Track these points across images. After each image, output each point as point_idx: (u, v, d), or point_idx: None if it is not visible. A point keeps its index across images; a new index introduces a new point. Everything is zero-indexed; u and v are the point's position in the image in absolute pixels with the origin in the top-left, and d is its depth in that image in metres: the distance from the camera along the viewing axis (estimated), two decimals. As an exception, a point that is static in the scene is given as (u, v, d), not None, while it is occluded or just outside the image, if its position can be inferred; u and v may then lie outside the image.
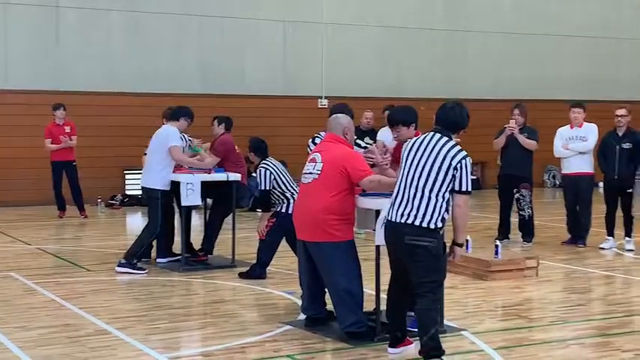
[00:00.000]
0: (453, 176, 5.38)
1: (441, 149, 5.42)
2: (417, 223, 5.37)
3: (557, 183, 19.37)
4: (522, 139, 10.76)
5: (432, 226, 5.37)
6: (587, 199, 10.81)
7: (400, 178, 5.56)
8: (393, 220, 5.48)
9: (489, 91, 19.24)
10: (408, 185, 5.47)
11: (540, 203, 15.54)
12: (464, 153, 5.42)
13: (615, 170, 10.40)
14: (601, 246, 10.61)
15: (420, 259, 5.36)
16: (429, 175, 5.40)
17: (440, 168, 5.38)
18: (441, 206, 5.39)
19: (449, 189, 5.39)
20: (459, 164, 5.37)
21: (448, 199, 5.41)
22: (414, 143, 5.57)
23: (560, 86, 19.95)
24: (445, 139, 5.47)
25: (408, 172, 5.49)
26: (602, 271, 9.30)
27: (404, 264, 5.49)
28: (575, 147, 10.74)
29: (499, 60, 19.72)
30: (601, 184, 11.20)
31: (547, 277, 8.77)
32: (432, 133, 5.54)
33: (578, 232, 10.87)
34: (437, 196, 5.38)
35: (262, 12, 17.46)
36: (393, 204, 5.54)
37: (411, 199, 5.42)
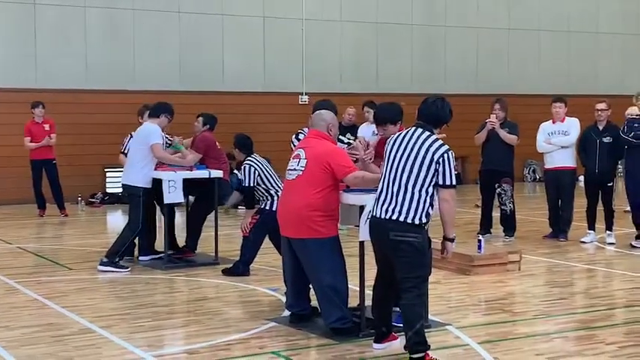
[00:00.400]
0: (436, 170, 5.40)
1: (422, 144, 5.44)
2: (401, 218, 5.39)
3: (538, 177, 19.50)
4: (503, 134, 10.82)
5: (417, 221, 5.39)
6: (569, 194, 10.90)
7: (384, 174, 5.58)
8: (378, 216, 5.50)
9: (470, 87, 19.32)
10: (391, 181, 5.49)
11: (521, 198, 15.64)
12: (446, 147, 5.45)
13: (596, 164, 10.48)
14: (582, 240, 10.70)
15: (405, 255, 5.38)
16: (411, 170, 5.42)
17: (422, 163, 5.40)
18: (425, 201, 5.41)
19: (432, 184, 5.41)
20: (441, 158, 5.39)
21: (432, 194, 5.43)
22: (396, 139, 5.59)
23: (541, 81, 20.08)
24: (427, 133, 5.49)
25: (391, 168, 5.51)
26: (584, 265, 9.38)
27: (389, 260, 5.52)
28: (558, 141, 10.81)
29: (479, 55, 19.81)
30: (582, 177, 11.30)
31: (529, 272, 8.84)
32: (414, 128, 5.56)
33: (559, 226, 10.95)
34: (420, 191, 5.40)
35: (241, 7, 17.43)
36: (377, 200, 5.56)
37: (394, 195, 5.44)
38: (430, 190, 5.41)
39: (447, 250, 5.63)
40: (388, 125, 6.44)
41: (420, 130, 5.51)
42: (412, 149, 5.45)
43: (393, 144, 5.57)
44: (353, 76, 18.40)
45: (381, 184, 5.58)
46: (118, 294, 7.89)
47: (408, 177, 5.42)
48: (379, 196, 5.55)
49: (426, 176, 5.40)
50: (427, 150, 5.41)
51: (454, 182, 5.45)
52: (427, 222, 5.45)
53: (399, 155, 5.49)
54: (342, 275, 6.22)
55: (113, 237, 9.53)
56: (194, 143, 9.75)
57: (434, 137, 5.48)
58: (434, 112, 5.58)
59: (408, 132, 5.57)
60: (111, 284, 8.34)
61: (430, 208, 5.43)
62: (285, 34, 17.87)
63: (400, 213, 5.40)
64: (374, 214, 5.55)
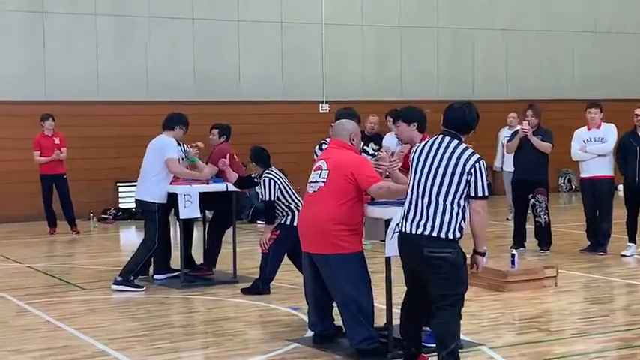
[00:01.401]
0: (467, 182, 5.37)
1: (452, 153, 5.41)
2: (434, 234, 5.35)
3: (573, 187, 19.39)
4: (536, 142, 10.77)
5: (451, 236, 5.36)
6: (607, 204, 10.83)
7: (411, 186, 5.53)
8: (408, 231, 5.45)
9: (499, 92, 19.26)
10: (420, 194, 5.45)
11: (556, 209, 15.55)
12: (477, 156, 5.42)
13: (636, 173, 10.39)
14: (622, 253, 10.61)
15: (441, 271, 5.34)
16: (442, 182, 5.38)
17: (453, 174, 5.37)
18: (458, 214, 5.38)
19: (464, 196, 5.39)
20: (473, 168, 5.37)
21: (464, 207, 5.40)
22: (423, 148, 5.55)
23: (574, 85, 19.98)
24: (455, 142, 5.46)
25: (420, 179, 5.47)
26: (625, 280, 9.30)
27: (421, 277, 5.47)
28: (594, 149, 10.75)
29: (508, 58, 19.75)
30: (620, 187, 11.21)
31: (567, 287, 8.78)
32: (441, 136, 5.53)
33: (597, 238, 10.87)
34: (452, 204, 5.37)
35: (258, 12, 17.50)
36: (406, 215, 5.51)
37: (425, 209, 5.40)
38: (462, 202, 5.39)
39: (478, 264, 5.60)
40: (400, 123, 6.42)
41: (448, 139, 5.49)
42: (441, 159, 5.41)
43: (420, 154, 5.53)
44: (375, 83, 18.40)
45: (408, 197, 5.54)
46: (133, 314, 7.91)
47: (439, 189, 5.38)
48: (408, 210, 5.50)
49: (457, 188, 5.37)
50: (458, 160, 5.38)
51: (486, 193, 5.42)
52: (461, 236, 5.41)
53: (427, 166, 5.45)
54: (367, 293, 6.21)
55: (127, 255, 9.56)
56: (211, 156, 9.79)
57: (463, 146, 5.46)
58: (461, 118, 5.54)
59: (435, 140, 5.53)
60: (125, 304, 8.36)
61: (463, 221, 5.40)
62: (304, 40, 17.91)
63: (433, 228, 5.36)
64: (403, 229, 5.51)
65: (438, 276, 5.36)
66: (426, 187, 5.42)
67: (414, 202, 5.48)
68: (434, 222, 5.36)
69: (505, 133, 13.13)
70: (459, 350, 5.51)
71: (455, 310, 5.41)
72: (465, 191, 5.38)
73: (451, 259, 5.35)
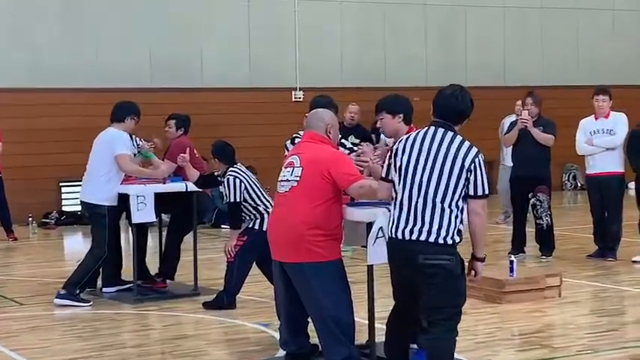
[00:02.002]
0: (467, 179, 5.37)
1: (448, 148, 5.38)
2: (431, 239, 5.33)
3: (579, 185, 19.52)
4: (537, 134, 10.83)
5: (449, 241, 5.35)
6: (616, 204, 10.90)
7: (401, 186, 5.48)
8: (401, 237, 5.43)
9: (495, 78, 19.34)
10: (414, 195, 5.41)
11: (560, 209, 15.65)
12: (475, 149, 5.41)
13: (649, 168, 10.49)
14: (634, 259, 10.69)
15: (437, 281, 5.33)
16: (439, 181, 5.36)
17: (451, 171, 5.34)
18: (457, 217, 5.37)
19: (463, 195, 5.38)
20: (473, 164, 5.36)
21: (463, 208, 5.39)
22: (413, 141, 5.49)
23: (580, 69, 20.10)
24: (450, 134, 5.44)
25: (412, 179, 5.42)
26: (637, 289, 9.37)
27: (414, 288, 5.46)
28: (602, 142, 10.81)
29: (506, 39, 19.83)
30: (632, 184, 11.29)
31: (572, 298, 8.82)
32: (433, 127, 5.50)
33: (606, 243, 10.95)
34: (450, 205, 5.35)
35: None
36: (397, 218, 5.47)
37: (420, 212, 5.38)
38: (460, 203, 5.38)
39: (477, 271, 5.61)
40: (384, 114, 6.39)
41: (441, 131, 5.46)
42: (436, 155, 5.38)
43: (411, 147, 5.47)
44: (356, 68, 18.41)
45: (398, 199, 5.49)
46: (78, 333, 7.86)
47: (436, 190, 5.35)
48: (399, 213, 5.46)
49: (456, 187, 5.35)
50: (456, 155, 5.36)
51: (487, 191, 5.42)
52: (460, 240, 5.41)
53: (421, 162, 5.41)
54: (346, 306, 6.20)
55: (72, 265, 9.51)
56: (168, 151, 9.75)
57: (459, 138, 5.44)
58: (453, 106, 5.52)
59: (426, 132, 5.48)
60: (70, 321, 8.31)
61: (461, 224, 5.39)
62: (275, 19, 17.89)
63: (430, 233, 5.34)
64: (393, 235, 5.48)
65: (434, 286, 5.35)
66: (421, 188, 5.39)
67: (405, 205, 5.43)
68: (431, 226, 5.34)
69: (508, 122, 13.17)
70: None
71: (451, 325, 5.41)
72: (464, 190, 5.37)
73: (449, 267, 5.35)
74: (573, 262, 10.78)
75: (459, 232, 5.39)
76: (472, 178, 5.37)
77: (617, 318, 8.12)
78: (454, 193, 5.36)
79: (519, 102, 13.81)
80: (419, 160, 5.42)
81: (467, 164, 5.35)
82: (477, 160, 5.37)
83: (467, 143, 5.43)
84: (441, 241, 5.34)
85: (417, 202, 5.39)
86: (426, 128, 5.53)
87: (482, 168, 5.41)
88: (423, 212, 5.37)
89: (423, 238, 5.35)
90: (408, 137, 5.55)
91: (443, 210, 5.35)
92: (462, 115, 5.55)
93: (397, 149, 5.54)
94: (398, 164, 5.50)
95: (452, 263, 5.36)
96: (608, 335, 7.40)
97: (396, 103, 6.48)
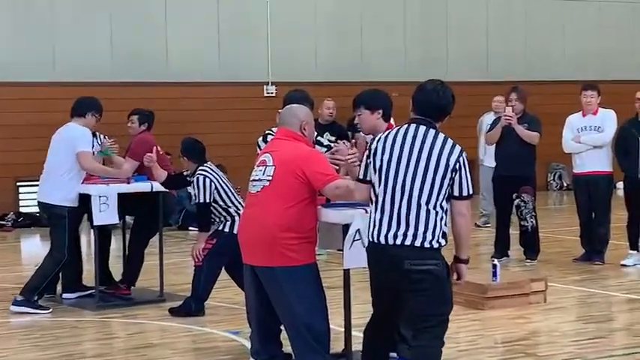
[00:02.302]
0: (452, 179, 5.39)
1: (432, 146, 5.39)
2: (417, 243, 5.33)
3: (565, 185, 19.63)
4: (521, 131, 10.88)
5: (435, 244, 5.36)
6: (605, 205, 10.97)
7: (382, 187, 5.47)
8: (384, 242, 5.42)
9: (478, 72, 19.42)
10: (396, 197, 5.40)
11: (545, 210, 15.74)
12: (460, 148, 5.43)
13: (638, 167, 10.56)
14: (623, 262, 10.77)
15: (424, 287, 5.35)
16: (423, 181, 5.36)
17: (436, 171, 5.35)
18: (441, 219, 5.38)
19: (447, 195, 5.39)
20: (458, 163, 5.38)
21: (447, 209, 5.41)
22: (393, 140, 5.48)
23: (567, 64, 20.22)
24: (432, 131, 5.45)
25: (394, 179, 5.41)
26: (625, 294, 9.43)
27: (398, 296, 5.46)
28: (589, 139, 10.89)
29: (490, 32, 19.91)
30: (620, 184, 11.37)
31: (557, 304, 8.88)
32: (414, 125, 5.51)
33: (594, 245, 11.02)
34: (435, 207, 5.36)
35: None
36: (378, 222, 5.46)
37: (404, 215, 5.37)
38: (445, 204, 5.40)
39: (461, 274, 5.63)
40: (362, 110, 6.38)
41: (422, 128, 5.46)
42: (419, 154, 5.38)
43: (391, 147, 5.46)
44: (332, 61, 18.42)
45: (380, 200, 5.47)
46: (36, 342, 7.82)
47: (420, 190, 5.35)
48: (380, 216, 5.45)
49: (440, 188, 5.36)
50: (440, 154, 5.37)
51: (472, 191, 5.45)
52: (446, 244, 5.43)
53: (403, 163, 5.40)
54: (321, 312, 6.22)
55: (30, 269, 9.46)
56: (130, 148, 9.73)
57: (442, 136, 5.45)
58: (434, 102, 5.52)
59: (406, 131, 5.48)
60: (28, 330, 8.27)
61: (445, 226, 5.42)
62: (245, 9, 17.86)
63: (415, 237, 5.34)
64: (375, 240, 5.47)
65: (421, 293, 5.36)
66: (404, 189, 5.39)
67: (387, 208, 5.43)
68: (416, 230, 5.34)
69: (488, 119, 13.26)
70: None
71: (438, 333, 5.44)
72: (448, 190, 5.40)
73: (436, 272, 5.36)
74: (559, 266, 10.85)
75: (444, 234, 5.41)
76: (457, 177, 5.39)
77: (604, 325, 8.18)
78: (439, 194, 5.37)
79: (498, 98, 13.93)
80: (400, 159, 5.41)
81: (452, 163, 5.37)
82: (461, 159, 5.40)
83: (450, 141, 5.44)
84: (427, 245, 5.34)
85: (400, 204, 5.39)
86: (406, 125, 5.52)
87: (467, 167, 5.44)
88: (408, 215, 5.37)
89: (408, 242, 5.35)
90: (387, 135, 5.53)
91: (428, 212, 5.36)
92: (444, 112, 5.57)
93: (376, 148, 5.52)
94: (378, 164, 5.48)
95: (439, 268, 5.38)
96: (595, 343, 7.45)
97: (375, 98, 6.48)
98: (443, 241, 5.40)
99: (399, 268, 5.36)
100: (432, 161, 5.37)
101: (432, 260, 5.36)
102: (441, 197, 5.38)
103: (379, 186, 5.47)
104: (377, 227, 5.45)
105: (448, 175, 5.37)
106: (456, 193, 5.41)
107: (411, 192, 5.37)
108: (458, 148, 5.42)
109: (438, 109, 5.54)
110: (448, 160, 5.37)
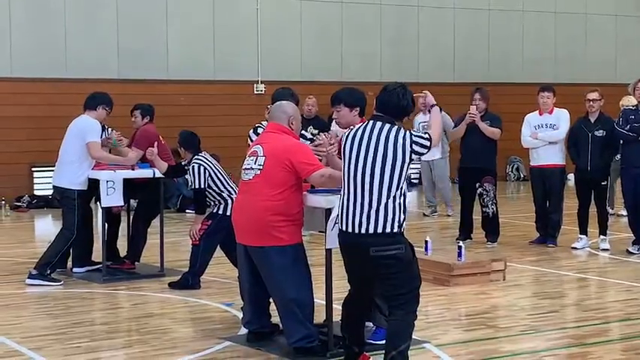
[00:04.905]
0: (411, 160, 5.39)
1: (388, 138, 5.37)
2: (379, 230, 5.31)
3: (522, 176, 19.69)
4: (484, 127, 10.89)
5: (396, 229, 5.35)
6: (558, 194, 11.01)
7: (347, 177, 5.47)
8: (350, 230, 5.41)
9: (446, 75, 19.42)
10: (359, 187, 5.40)
11: (504, 199, 15.79)
12: (408, 131, 5.45)
13: (588, 161, 10.55)
14: (573, 245, 10.81)
15: (392, 271, 5.34)
16: (383, 171, 5.35)
17: (394, 160, 5.34)
18: (401, 204, 5.38)
19: (405, 179, 5.38)
20: (413, 143, 5.39)
21: (405, 191, 5.40)
22: (355, 134, 5.49)
23: (525, 68, 20.25)
24: (388, 125, 5.44)
25: (356, 170, 5.41)
26: (576, 274, 9.48)
27: (369, 278, 5.47)
28: (545, 136, 10.91)
29: (456, 39, 19.91)
30: (571, 176, 11.39)
31: (515, 281, 8.91)
32: (373, 121, 5.50)
33: (547, 230, 11.06)
34: (395, 194, 5.35)
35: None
36: (345, 211, 5.45)
37: (366, 204, 5.36)
38: (404, 187, 5.39)
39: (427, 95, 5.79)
40: (342, 107, 6.34)
41: (379, 124, 5.46)
42: (377, 145, 5.37)
43: (353, 140, 5.47)
44: (315, 63, 18.39)
45: (345, 190, 5.48)
46: (49, 311, 7.80)
47: (381, 180, 5.35)
48: (347, 206, 5.43)
49: (400, 175, 5.36)
50: (396, 142, 5.35)
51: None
52: (404, 220, 5.40)
53: (362, 154, 5.40)
54: (307, 288, 6.21)
55: (43, 246, 9.42)
56: (135, 139, 9.68)
57: (396, 127, 5.44)
58: (395, 102, 5.53)
59: (366, 126, 5.49)
60: (41, 300, 8.24)
61: (405, 208, 5.41)
62: (238, 15, 17.79)
63: (377, 223, 5.32)
64: (343, 228, 5.47)
65: (389, 276, 5.36)
66: (365, 179, 5.38)
67: (352, 196, 5.42)
68: (377, 216, 5.33)
69: (420, 118, 13.04)
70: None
71: (410, 308, 5.43)
72: (406, 173, 5.39)
73: (401, 256, 5.35)
74: (517, 248, 10.88)
75: (404, 212, 5.38)
76: (417, 147, 5.41)
77: (557, 300, 8.21)
78: (399, 180, 5.36)
79: (424, 93, 13.74)
80: (360, 151, 5.42)
81: (408, 145, 5.37)
82: (412, 136, 5.41)
83: (402, 130, 5.44)
84: (388, 230, 5.31)
85: (362, 193, 5.38)
86: (368, 122, 5.54)
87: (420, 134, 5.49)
88: (370, 203, 5.35)
89: (371, 230, 5.33)
90: (351, 130, 5.56)
91: (388, 198, 5.33)
92: (403, 111, 5.57)
93: (345, 142, 5.55)
94: (346, 157, 5.50)
95: (403, 252, 5.36)
96: (549, 316, 7.48)
97: (354, 96, 6.44)
98: (404, 224, 5.38)
99: (366, 254, 5.35)
100: (390, 151, 5.36)
101: (396, 245, 5.34)
102: (401, 183, 5.37)
103: (346, 176, 5.48)
104: (344, 215, 5.45)
105: (407, 160, 5.37)
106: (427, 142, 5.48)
107: (372, 181, 5.36)
108: (408, 133, 5.43)
109: (398, 108, 5.55)
110: (404, 145, 5.37)
